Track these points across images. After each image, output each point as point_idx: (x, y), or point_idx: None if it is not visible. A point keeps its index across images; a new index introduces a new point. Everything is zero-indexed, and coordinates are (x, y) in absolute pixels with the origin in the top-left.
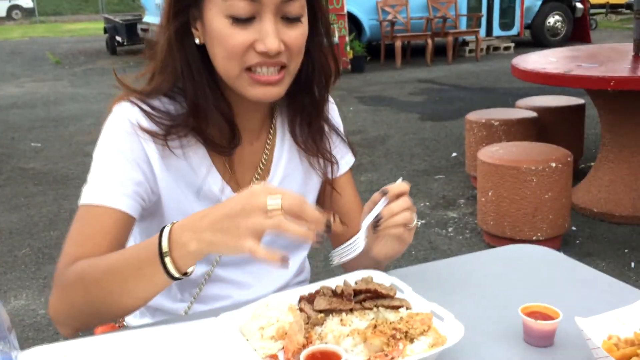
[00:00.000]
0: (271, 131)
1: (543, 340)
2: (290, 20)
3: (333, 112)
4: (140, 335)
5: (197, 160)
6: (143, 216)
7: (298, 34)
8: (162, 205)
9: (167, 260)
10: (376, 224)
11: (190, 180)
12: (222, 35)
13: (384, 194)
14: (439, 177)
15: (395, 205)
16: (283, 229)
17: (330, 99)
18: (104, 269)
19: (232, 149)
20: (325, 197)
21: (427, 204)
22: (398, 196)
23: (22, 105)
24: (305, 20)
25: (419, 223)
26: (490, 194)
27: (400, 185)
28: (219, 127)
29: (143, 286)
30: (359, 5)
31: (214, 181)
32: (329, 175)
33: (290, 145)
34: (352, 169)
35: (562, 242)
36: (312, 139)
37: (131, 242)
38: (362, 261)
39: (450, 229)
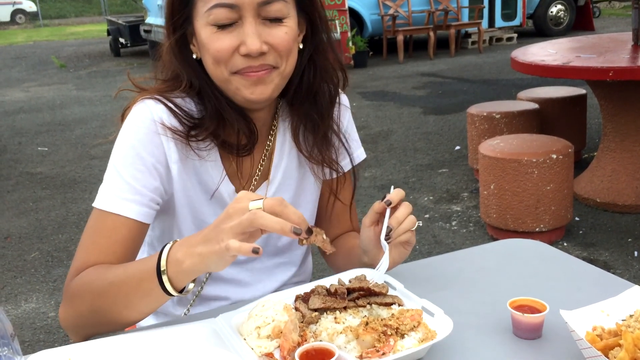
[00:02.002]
0: (270, 137)
1: (531, 333)
2: (272, 21)
3: (344, 114)
4: (143, 337)
5: (212, 163)
6: (157, 213)
7: (282, 32)
8: (174, 204)
9: (165, 278)
10: (387, 235)
11: (204, 182)
12: (208, 42)
13: (388, 204)
14: (443, 171)
15: (400, 214)
16: (258, 222)
17: (345, 101)
18: (109, 281)
19: (251, 147)
20: (324, 197)
21: (431, 198)
22: (399, 202)
23: (28, 109)
24: (290, 21)
25: (420, 223)
26: (492, 187)
27: (398, 192)
28: (237, 127)
29: (144, 301)
30: (360, 0)
31: (225, 187)
32: (332, 176)
33: (290, 149)
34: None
35: (566, 233)
36: (317, 148)
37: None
38: (360, 264)
39: (454, 223)
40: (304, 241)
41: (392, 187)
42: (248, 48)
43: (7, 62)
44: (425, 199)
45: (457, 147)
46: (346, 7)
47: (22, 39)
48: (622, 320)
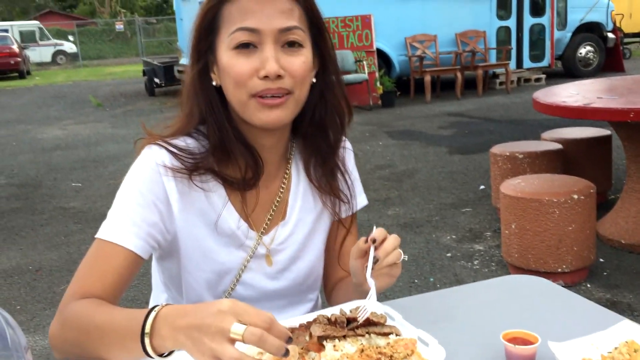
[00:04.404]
0: (286, 175)
1: None
2: (291, 48)
3: (349, 157)
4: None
5: (216, 197)
6: (162, 256)
7: (299, 61)
8: (179, 244)
9: (147, 342)
10: (372, 266)
11: (209, 216)
12: (229, 66)
13: (373, 242)
14: (466, 210)
15: (388, 245)
16: (222, 353)
17: (349, 145)
18: (95, 325)
19: (255, 181)
20: (332, 236)
21: (454, 237)
22: (383, 240)
23: (65, 147)
24: (307, 52)
25: (406, 257)
26: (513, 226)
27: (380, 230)
28: (243, 160)
29: (124, 354)
30: (388, 41)
31: (231, 217)
32: (342, 215)
33: (305, 188)
34: (379, 203)
35: (589, 274)
36: (325, 178)
37: (156, 278)
38: (356, 296)
39: (475, 262)
40: None
41: (375, 226)
42: (267, 70)
43: (47, 101)
44: (448, 237)
45: (482, 187)
46: (374, 48)
47: (62, 79)
48: (608, 352)
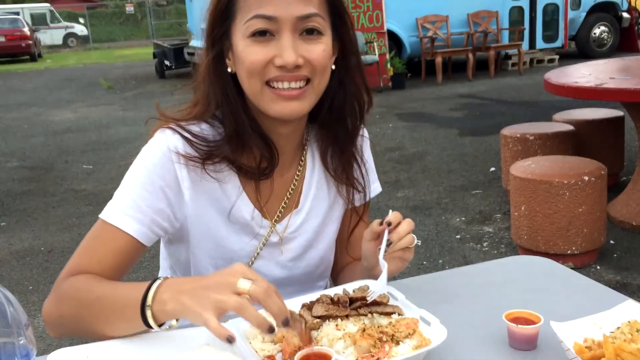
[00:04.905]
0: (301, 163)
1: (525, 344)
2: (310, 36)
3: (365, 146)
4: (158, 338)
5: (230, 185)
6: (170, 241)
7: (319, 49)
8: (188, 231)
9: (148, 312)
10: (385, 250)
11: (221, 204)
12: (244, 54)
13: (388, 224)
14: (476, 192)
15: (402, 229)
16: (242, 312)
17: (366, 133)
18: (96, 296)
19: (270, 171)
20: (344, 223)
21: (463, 219)
22: (398, 223)
23: (76, 129)
24: (327, 39)
25: (419, 242)
26: (523, 208)
27: (396, 214)
28: (258, 150)
29: (124, 324)
30: (399, 22)
31: (245, 206)
32: (355, 203)
33: (320, 176)
34: (389, 185)
35: (599, 256)
36: (342, 167)
37: (163, 263)
38: (365, 276)
39: (485, 244)
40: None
41: (390, 210)
42: (284, 60)
43: (58, 84)
44: (457, 219)
45: (492, 169)
46: (385, 29)
47: (73, 62)
48: (611, 332)
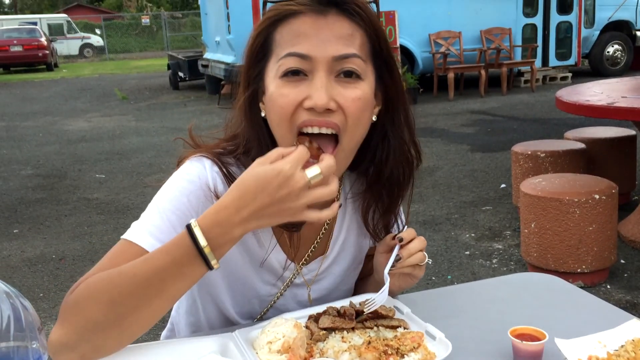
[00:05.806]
0: None
1: None
2: (347, 79)
3: None
4: (170, 347)
5: (263, 234)
6: None
7: (354, 94)
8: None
9: (209, 254)
10: (393, 265)
11: (253, 249)
12: (274, 96)
13: (400, 240)
14: (486, 208)
15: (413, 246)
16: (319, 195)
17: None
18: (127, 276)
19: (300, 225)
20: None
21: (473, 235)
22: (409, 240)
23: (90, 139)
24: (365, 86)
25: (430, 261)
26: (533, 225)
27: (410, 231)
28: None
29: (180, 284)
30: (412, 38)
31: (277, 257)
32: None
33: (351, 221)
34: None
35: (609, 275)
36: (383, 224)
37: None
38: (373, 289)
39: (494, 261)
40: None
41: (405, 227)
42: (314, 102)
43: (74, 94)
44: (467, 236)
45: (503, 185)
46: (397, 44)
47: (89, 72)
48: (615, 350)
